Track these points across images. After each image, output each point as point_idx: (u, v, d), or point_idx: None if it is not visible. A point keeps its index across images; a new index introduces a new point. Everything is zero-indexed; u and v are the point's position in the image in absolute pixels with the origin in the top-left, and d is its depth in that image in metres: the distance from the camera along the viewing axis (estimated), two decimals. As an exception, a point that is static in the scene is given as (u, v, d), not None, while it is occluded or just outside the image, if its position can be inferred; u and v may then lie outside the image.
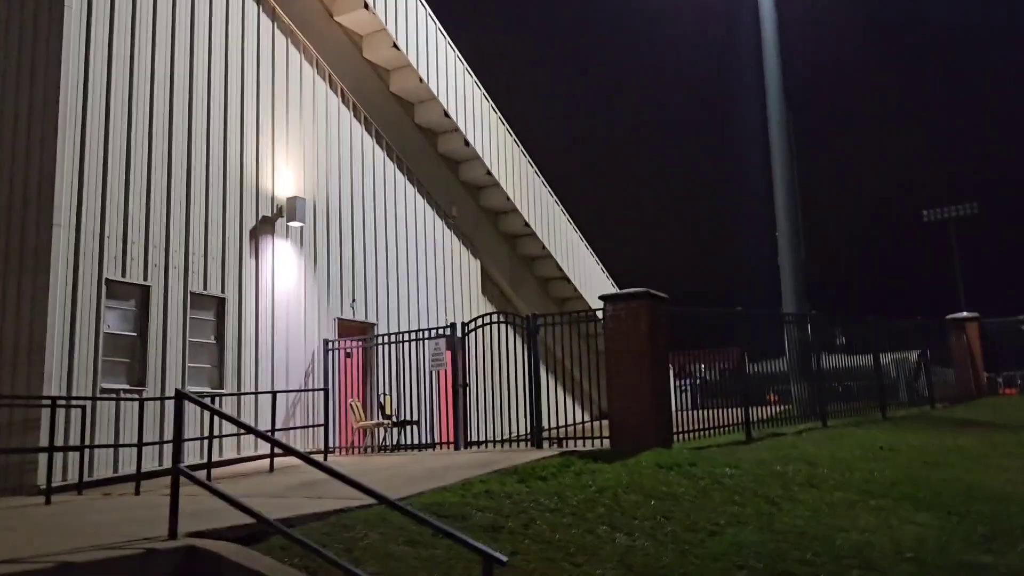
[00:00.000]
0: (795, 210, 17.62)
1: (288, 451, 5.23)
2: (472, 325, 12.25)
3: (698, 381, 30.95)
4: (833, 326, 16.50)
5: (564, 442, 11.27)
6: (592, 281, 22.11)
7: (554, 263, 20.43)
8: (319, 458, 11.75)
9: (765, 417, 14.44)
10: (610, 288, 23.32)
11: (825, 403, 14.83)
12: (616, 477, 8.19)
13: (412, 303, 16.09)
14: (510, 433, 11.90)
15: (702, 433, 12.35)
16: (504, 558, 3.96)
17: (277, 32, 13.68)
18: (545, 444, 11.27)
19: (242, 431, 10.76)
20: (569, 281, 21.05)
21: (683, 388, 34.03)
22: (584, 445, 10.90)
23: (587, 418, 16.98)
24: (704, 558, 6.05)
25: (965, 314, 19.58)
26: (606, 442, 10.68)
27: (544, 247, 19.78)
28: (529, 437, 11.43)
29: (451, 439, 12.33)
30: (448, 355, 12.85)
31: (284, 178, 13.32)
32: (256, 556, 4.80)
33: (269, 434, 11.09)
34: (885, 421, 15.38)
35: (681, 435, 11.76)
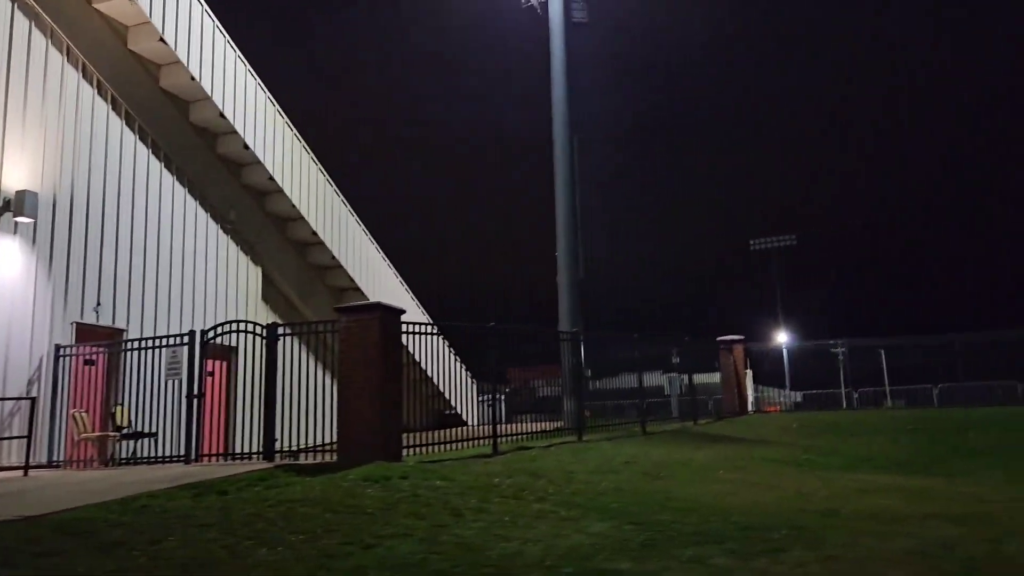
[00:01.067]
0: (575, 231, 18.26)
1: None
2: (212, 334, 11.76)
3: (504, 396, 31.49)
4: (601, 345, 17.16)
5: (297, 455, 11.02)
6: (389, 293, 21.95)
7: (346, 273, 20.13)
8: (19, 473, 10.90)
9: (529, 431, 14.86)
10: (409, 300, 23.30)
11: (582, 418, 15.36)
12: (306, 490, 8.03)
13: (176, 310, 15.31)
14: (271, 445, 11.50)
15: (457, 445, 12.53)
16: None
17: (18, 14, 12.68)
18: (277, 457, 10.99)
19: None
20: (363, 293, 20.80)
21: (488, 403, 34.48)
22: (316, 458, 10.73)
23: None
24: (339, 571, 5.96)
25: (732, 336, 20.94)
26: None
27: (334, 256, 19.45)
28: (262, 451, 11.11)
29: (208, 451, 11.93)
30: (208, 364, 12.30)
31: (14, 170, 12.31)
32: None
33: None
34: (643, 436, 16.13)
35: (431, 447, 11.83)
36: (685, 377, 20.01)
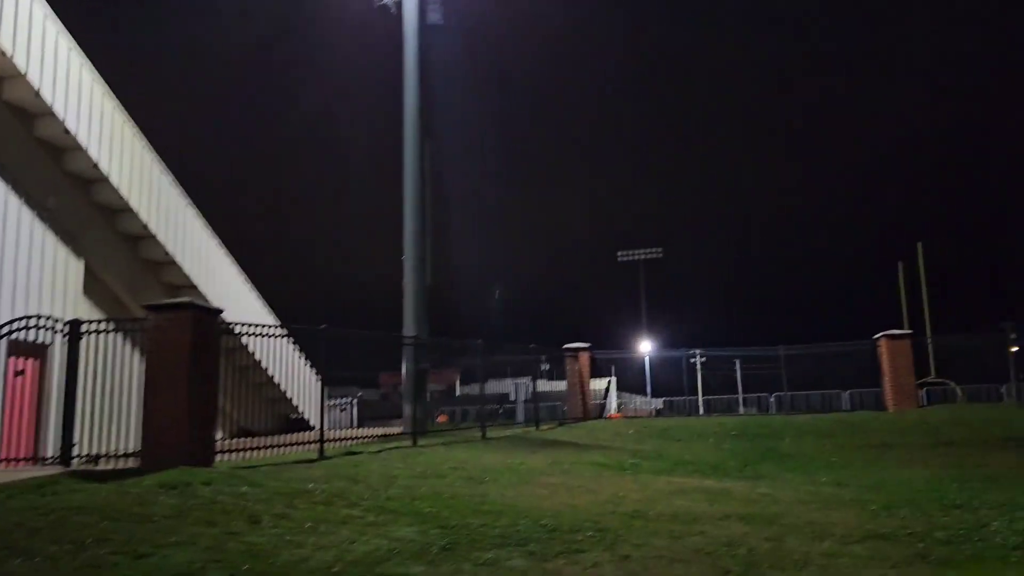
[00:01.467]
0: (423, 237, 18.14)
1: None
2: (5, 330, 10.84)
3: (356, 401, 30.79)
4: (440, 351, 17.14)
5: (97, 460, 10.32)
6: (231, 293, 21.04)
7: (182, 270, 19.12)
8: None
9: (367, 436, 14.58)
10: (254, 300, 22.46)
11: (424, 423, 15.25)
12: (89, 498, 7.49)
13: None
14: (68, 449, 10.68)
15: (285, 450, 12.17)
16: None
17: None
18: (75, 462, 10.25)
19: None
20: (200, 291, 19.81)
21: (342, 407, 33.82)
22: (121, 464, 10.08)
23: (223, 435, 16.06)
24: (94, 583, 5.57)
25: (578, 344, 21.40)
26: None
27: (168, 252, 18.43)
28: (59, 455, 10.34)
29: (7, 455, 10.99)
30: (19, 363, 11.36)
31: None
32: None
33: None
34: (482, 441, 16.16)
35: (254, 452, 11.41)
36: (530, 383, 20.30)
